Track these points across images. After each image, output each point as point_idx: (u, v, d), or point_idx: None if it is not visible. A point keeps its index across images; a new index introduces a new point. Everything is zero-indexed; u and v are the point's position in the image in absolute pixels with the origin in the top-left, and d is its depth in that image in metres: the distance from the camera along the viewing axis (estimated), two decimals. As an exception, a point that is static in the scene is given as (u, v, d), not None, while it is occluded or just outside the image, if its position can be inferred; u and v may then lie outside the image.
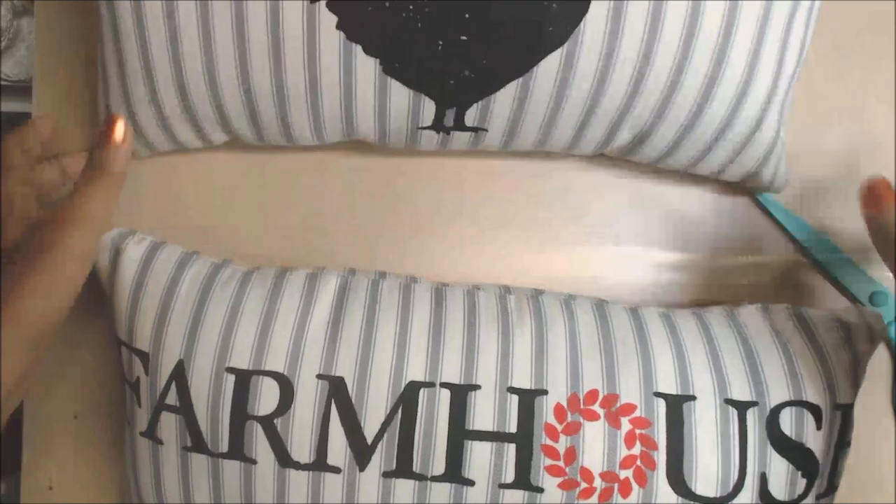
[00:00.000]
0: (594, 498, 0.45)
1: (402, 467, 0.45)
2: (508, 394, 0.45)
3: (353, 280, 0.50)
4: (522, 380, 0.46)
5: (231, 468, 0.47)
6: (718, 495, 0.45)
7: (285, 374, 0.46)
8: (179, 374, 0.47)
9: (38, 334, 0.43)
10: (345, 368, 0.46)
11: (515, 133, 0.49)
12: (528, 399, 0.45)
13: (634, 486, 0.45)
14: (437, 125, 0.49)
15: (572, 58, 0.45)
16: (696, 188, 0.56)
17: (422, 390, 0.46)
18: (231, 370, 0.46)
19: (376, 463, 0.46)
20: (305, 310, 0.48)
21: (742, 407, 0.46)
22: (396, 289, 0.50)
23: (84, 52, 0.55)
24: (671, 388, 0.46)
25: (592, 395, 0.46)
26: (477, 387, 0.46)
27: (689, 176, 0.54)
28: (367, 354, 0.46)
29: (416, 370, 0.46)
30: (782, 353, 0.47)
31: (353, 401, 0.46)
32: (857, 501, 0.48)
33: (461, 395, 0.45)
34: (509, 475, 0.45)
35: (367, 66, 0.46)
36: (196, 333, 0.47)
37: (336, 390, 0.46)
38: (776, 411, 0.46)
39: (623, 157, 0.53)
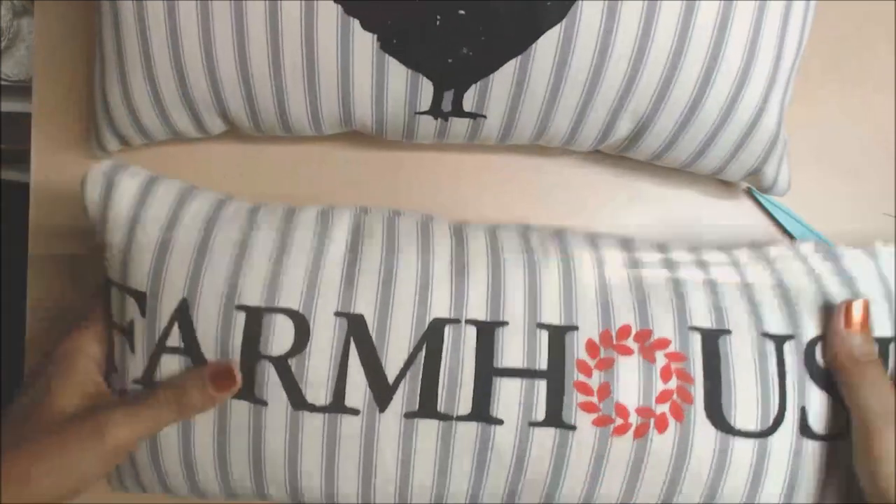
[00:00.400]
0: (629, 434, 0.44)
1: (426, 407, 0.43)
2: (538, 330, 0.44)
3: (367, 218, 0.48)
4: (552, 315, 0.44)
5: (239, 410, 0.44)
6: (759, 429, 0.44)
7: (300, 311, 0.44)
8: (183, 314, 0.44)
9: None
10: (364, 306, 0.44)
11: (513, 122, 0.50)
12: (559, 335, 0.44)
13: (671, 421, 0.44)
14: (435, 109, 0.49)
15: (570, 35, 0.46)
16: (695, 187, 0.57)
17: (447, 327, 0.44)
18: (241, 308, 0.44)
19: (398, 403, 0.43)
20: (319, 247, 0.45)
21: (779, 340, 0.45)
22: (414, 226, 0.48)
23: (84, 52, 0.56)
24: (706, 322, 0.45)
25: (625, 330, 0.44)
26: (504, 323, 0.44)
27: (688, 175, 0.54)
28: (388, 291, 0.44)
29: (440, 307, 0.44)
30: (815, 287, 0.47)
31: (374, 339, 0.43)
32: (856, 501, 0.48)
33: (488, 331, 0.44)
34: (540, 413, 0.43)
35: (364, 43, 0.46)
36: (201, 270, 0.44)
37: (355, 328, 0.43)
38: (812, 344, 0.45)
39: (622, 153, 0.53)
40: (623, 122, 0.49)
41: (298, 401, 0.44)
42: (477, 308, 0.44)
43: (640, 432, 0.44)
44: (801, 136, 0.55)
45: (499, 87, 0.48)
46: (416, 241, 0.47)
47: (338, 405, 0.43)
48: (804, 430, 0.44)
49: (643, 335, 0.44)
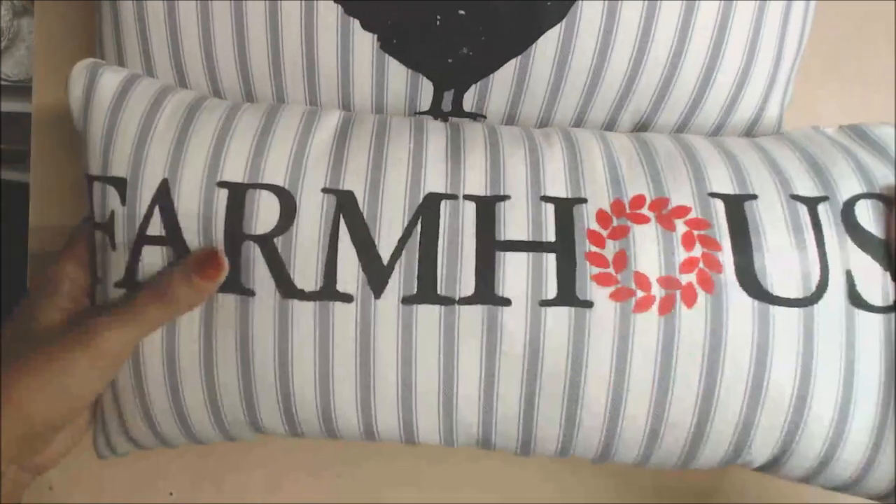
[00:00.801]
0: (654, 309, 0.39)
1: (425, 291, 0.39)
2: (542, 203, 0.40)
3: (357, 114, 0.46)
4: (557, 188, 0.41)
5: (226, 304, 0.41)
6: (802, 296, 0.39)
7: (286, 187, 0.41)
8: (164, 196, 0.41)
9: (34, 432, 0.40)
10: (354, 182, 0.41)
11: (513, 122, 0.50)
12: (566, 207, 0.40)
13: (700, 292, 0.39)
14: (435, 109, 0.49)
15: (570, 35, 0.46)
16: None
17: (443, 202, 0.40)
18: (223, 184, 0.41)
19: (394, 288, 0.40)
20: (307, 127, 0.43)
21: (811, 202, 0.41)
22: (406, 120, 0.45)
23: (84, 52, 0.56)
24: (727, 188, 0.41)
25: (639, 199, 0.41)
26: (506, 197, 0.41)
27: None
28: (379, 167, 0.41)
29: (435, 182, 0.41)
30: (841, 151, 0.44)
31: (366, 216, 0.40)
32: (857, 501, 0.48)
33: (488, 206, 0.40)
34: (551, 290, 0.39)
35: (364, 43, 0.46)
36: (183, 148, 0.42)
37: (345, 205, 0.40)
38: (850, 204, 0.41)
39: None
40: (624, 121, 0.49)
41: (287, 287, 0.40)
42: (475, 184, 0.41)
43: (666, 307, 0.39)
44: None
45: (499, 87, 0.48)
46: (409, 128, 0.44)
47: (329, 290, 0.40)
48: (854, 298, 0.40)
49: (659, 203, 0.40)
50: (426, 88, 0.48)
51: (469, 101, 0.48)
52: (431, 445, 0.43)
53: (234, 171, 0.41)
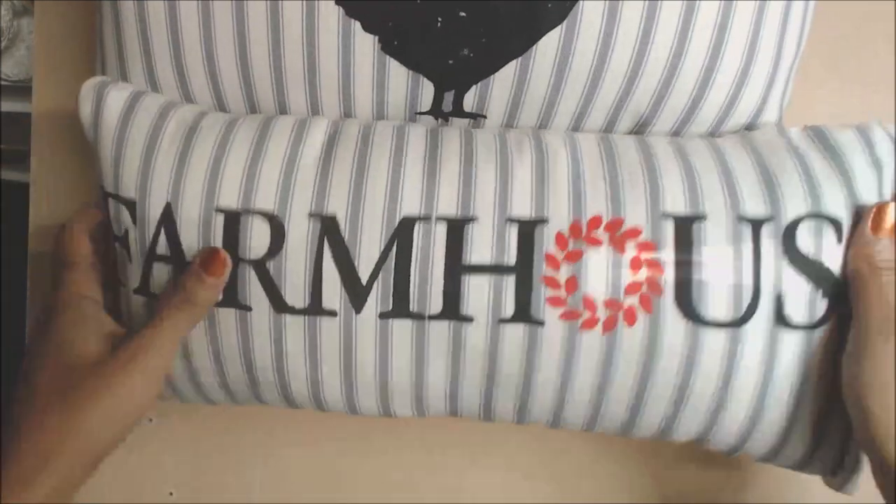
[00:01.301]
0: (597, 328, 0.44)
1: (399, 307, 0.44)
2: (507, 224, 0.44)
3: (344, 124, 0.48)
4: (522, 209, 0.44)
5: (227, 319, 0.46)
6: (730, 318, 0.43)
7: (275, 213, 0.45)
8: (168, 219, 0.45)
9: (99, 457, 0.43)
10: (337, 206, 0.44)
11: (514, 120, 0.50)
12: (528, 229, 0.44)
13: (640, 313, 0.43)
14: (436, 110, 0.49)
15: (571, 37, 0.46)
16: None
17: (417, 225, 0.44)
18: (220, 210, 0.45)
19: (372, 304, 0.44)
20: (295, 149, 0.46)
21: (756, 223, 0.44)
22: (390, 129, 0.48)
23: (84, 52, 0.56)
24: (680, 208, 0.44)
25: (595, 220, 0.44)
26: (474, 218, 0.44)
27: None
28: (360, 191, 0.45)
29: (410, 205, 0.44)
30: (799, 165, 0.45)
31: (346, 239, 0.44)
32: (857, 501, 0.48)
33: (458, 228, 0.44)
34: (509, 309, 0.44)
35: (365, 45, 0.47)
36: (182, 173, 0.45)
37: (328, 229, 0.44)
38: (793, 226, 0.44)
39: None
40: (623, 121, 0.49)
41: (279, 304, 0.45)
42: (447, 204, 0.45)
43: (609, 326, 0.43)
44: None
45: (499, 88, 0.48)
46: (391, 141, 0.47)
47: (316, 307, 0.45)
48: (780, 318, 0.43)
49: (614, 225, 0.44)
50: (427, 89, 0.48)
51: (470, 101, 0.48)
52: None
53: (229, 197, 0.45)
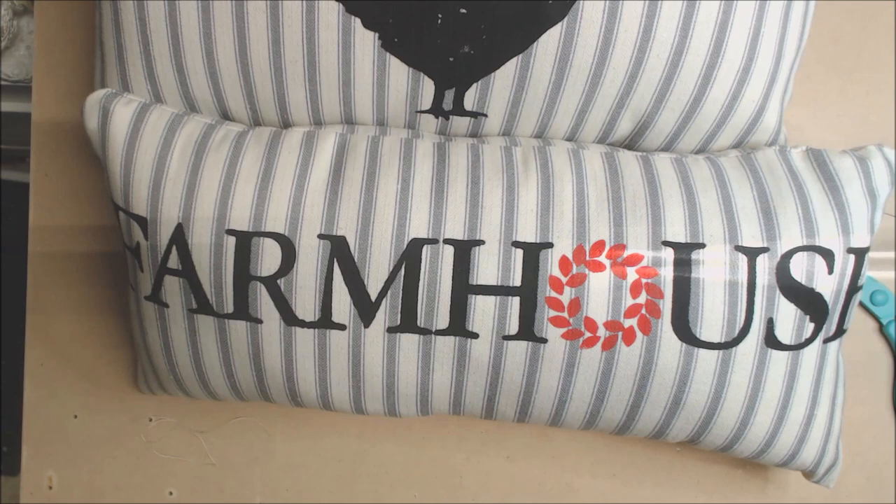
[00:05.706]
0: (597, 347, 0.45)
1: (406, 322, 0.46)
2: (513, 248, 0.45)
3: (353, 137, 0.49)
4: (527, 233, 0.46)
5: (238, 328, 0.47)
6: (723, 340, 0.45)
7: (286, 234, 0.46)
8: (179, 238, 0.46)
9: None
10: (346, 228, 0.46)
11: (515, 119, 0.50)
12: (533, 253, 0.45)
13: (638, 334, 0.45)
14: (436, 108, 0.49)
15: (572, 34, 0.46)
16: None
17: (425, 247, 0.45)
18: (231, 232, 0.46)
19: (381, 319, 0.46)
20: (304, 170, 0.47)
21: (752, 253, 0.45)
22: (398, 144, 0.48)
23: (84, 52, 0.56)
24: (680, 236, 0.46)
25: (599, 246, 0.45)
26: (481, 242, 0.45)
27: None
28: (369, 213, 0.46)
29: (418, 227, 0.46)
30: (797, 195, 0.47)
31: (356, 260, 0.45)
32: (857, 501, 0.48)
33: (465, 250, 0.45)
34: (513, 327, 0.45)
35: (365, 42, 0.46)
36: (193, 196, 0.46)
37: (338, 250, 0.45)
38: (787, 257, 0.46)
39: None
40: (624, 120, 0.49)
41: (289, 317, 0.46)
42: (454, 227, 0.46)
43: (608, 345, 0.45)
44: (801, 136, 0.55)
45: (500, 85, 0.48)
46: (399, 161, 0.48)
47: (325, 321, 0.46)
48: (770, 340, 0.46)
49: (616, 250, 0.45)
50: (427, 87, 0.48)
51: (470, 99, 0.48)
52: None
53: (240, 220, 0.46)
